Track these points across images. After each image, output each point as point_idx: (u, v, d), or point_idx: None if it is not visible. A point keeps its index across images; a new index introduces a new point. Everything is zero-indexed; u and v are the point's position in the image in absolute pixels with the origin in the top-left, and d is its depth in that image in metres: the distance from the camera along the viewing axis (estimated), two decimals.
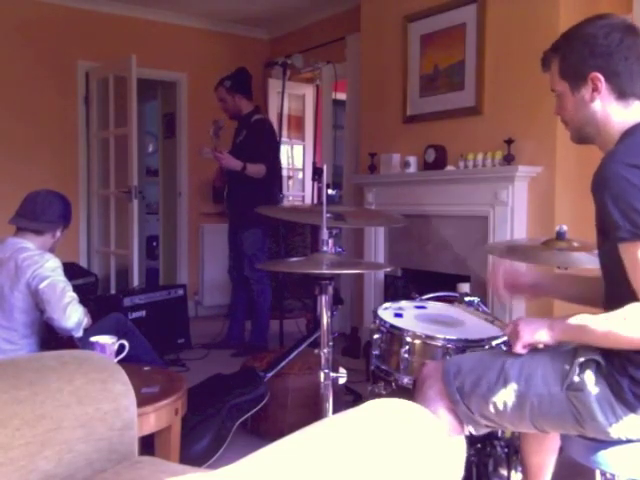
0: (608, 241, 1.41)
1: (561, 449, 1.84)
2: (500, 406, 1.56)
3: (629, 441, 1.46)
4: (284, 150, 5.73)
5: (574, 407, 1.47)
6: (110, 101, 5.19)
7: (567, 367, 1.50)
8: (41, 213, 2.69)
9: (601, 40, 1.50)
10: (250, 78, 4.53)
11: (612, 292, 1.52)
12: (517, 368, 1.56)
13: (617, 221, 1.36)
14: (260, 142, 4.35)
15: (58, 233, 2.77)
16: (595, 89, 1.52)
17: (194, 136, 5.88)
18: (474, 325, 2.23)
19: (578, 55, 1.54)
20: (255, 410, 2.80)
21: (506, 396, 1.55)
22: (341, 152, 5.82)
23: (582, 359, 1.49)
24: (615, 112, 1.52)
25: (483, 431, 1.68)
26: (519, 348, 1.56)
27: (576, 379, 1.48)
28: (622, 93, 1.51)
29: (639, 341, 1.38)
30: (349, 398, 3.29)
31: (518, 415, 1.55)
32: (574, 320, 1.49)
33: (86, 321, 2.61)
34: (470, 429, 1.66)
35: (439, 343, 2.06)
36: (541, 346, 1.56)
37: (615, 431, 1.44)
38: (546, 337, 1.53)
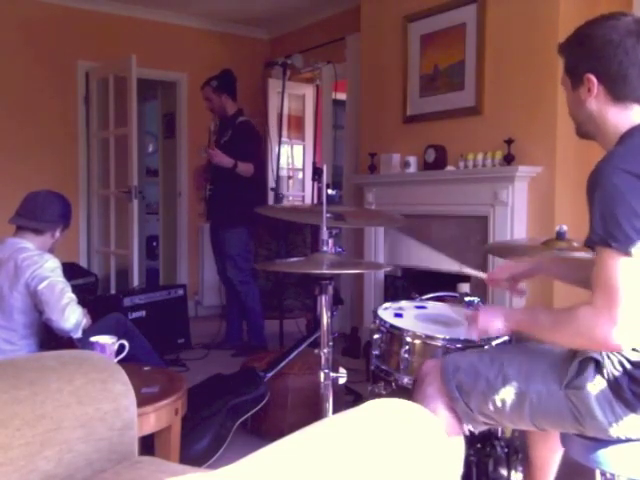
0: (585, 241, 1.44)
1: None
2: (499, 404, 1.56)
3: (629, 440, 1.46)
4: (284, 150, 5.73)
5: (573, 405, 1.47)
6: (110, 101, 5.19)
7: (566, 365, 1.50)
8: (41, 212, 2.69)
9: (598, 42, 1.51)
10: (235, 80, 4.53)
11: None
12: (516, 366, 1.56)
13: (594, 223, 1.38)
14: (247, 142, 4.35)
15: (57, 233, 2.77)
16: (589, 90, 1.53)
17: (194, 136, 5.88)
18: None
19: (577, 54, 1.57)
20: (255, 410, 2.80)
21: (505, 394, 1.55)
22: (341, 152, 5.82)
23: (581, 357, 1.49)
24: (612, 114, 1.53)
25: (482, 428, 1.68)
26: (473, 334, 1.66)
27: (575, 378, 1.48)
28: (617, 96, 1.51)
29: (579, 344, 1.43)
30: (349, 398, 3.28)
31: (517, 413, 1.55)
32: (528, 313, 1.61)
33: (85, 322, 2.60)
34: (469, 427, 1.66)
35: (439, 343, 2.06)
36: (494, 334, 1.66)
37: (614, 430, 1.45)
38: (500, 326, 1.60)
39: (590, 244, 1.40)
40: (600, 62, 1.50)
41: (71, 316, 2.53)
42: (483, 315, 1.64)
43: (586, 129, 1.60)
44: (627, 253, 1.32)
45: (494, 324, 1.61)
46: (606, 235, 1.35)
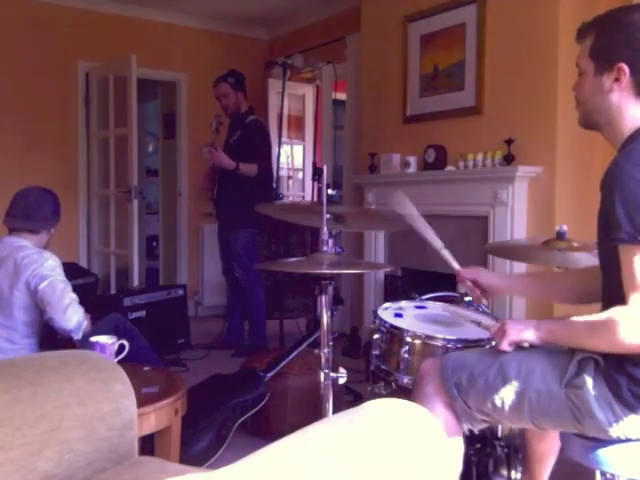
0: (608, 239, 1.42)
1: (561, 449, 1.84)
2: (498, 403, 1.56)
3: (628, 440, 1.46)
4: (284, 150, 5.74)
5: (573, 404, 1.47)
6: (110, 101, 5.19)
7: (566, 364, 1.50)
8: (35, 212, 2.69)
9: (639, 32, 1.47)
10: (245, 79, 4.55)
11: (610, 288, 1.52)
12: (515, 365, 1.56)
13: (620, 221, 1.36)
14: (254, 142, 4.35)
15: (52, 230, 2.78)
16: (617, 79, 1.49)
17: (194, 136, 5.88)
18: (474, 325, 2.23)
19: (612, 40, 1.50)
20: (255, 410, 2.80)
21: (504, 393, 1.55)
22: (341, 152, 5.82)
23: (580, 357, 1.49)
24: (631, 109, 1.50)
25: (481, 427, 1.68)
26: (505, 345, 1.58)
27: (575, 377, 1.48)
28: None
29: (621, 346, 1.39)
30: (349, 398, 3.29)
31: (516, 412, 1.55)
32: (560, 322, 1.54)
33: (86, 324, 2.60)
34: (468, 425, 1.66)
35: (439, 343, 2.06)
36: (526, 345, 1.58)
37: (614, 430, 1.44)
38: (532, 336, 1.56)
39: (619, 243, 1.37)
40: (637, 53, 1.46)
41: (73, 316, 2.53)
42: (512, 326, 1.58)
43: (596, 119, 1.56)
44: None
45: (525, 334, 1.56)
46: (636, 232, 1.34)
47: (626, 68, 1.48)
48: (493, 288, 1.89)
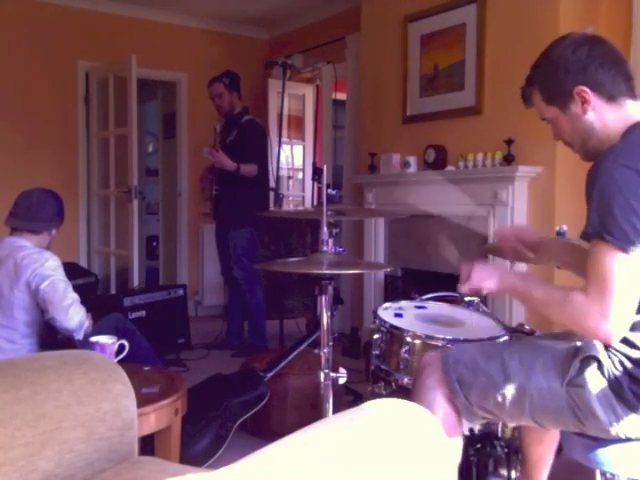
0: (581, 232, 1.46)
1: (561, 448, 1.84)
2: (499, 399, 1.56)
3: (629, 440, 1.46)
4: (284, 150, 5.73)
5: (574, 403, 1.48)
6: (110, 101, 5.19)
7: (568, 363, 1.51)
8: (37, 212, 2.69)
9: (571, 57, 1.53)
10: (240, 80, 4.56)
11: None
12: (517, 361, 1.56)
13: (591, 215, 1.40)
14: (251, 142, 4.36)
15: (54, 231, 2.79)
16: (584, 101, 1.53)
17: (194, 136, 5.88)
18: (474, 325, 2.23)
19: (555, 78, 1.56)
20: (255, 410, 2.80)
21: (506, 389, 1.55)
22: (341, 152, 5.82)
23: (583, 356, 1.49)
24: (610, 116, 1.54)
25: (480, 422, 1.68)
26: (464, 289, 1.64)
27: (577, 376, 1.48)
28: (611, 97, 1.53)
29: (570, 326, 1.45)
30: (349, 398, 3.29)
31: (517, 409, 1.55)
32: (523, 282, 1.58)
33: (87, 324, 2.60)
34: (468, 422, 1.66)
35: (439, 343, 2.06)
36: (484, 292, 1.64)
37: (615, 429, 1.45)
38: (493, 286, 1.60)
39: (585, 237, 1.42)
40: (584, 71, 1.52)
41: (75, 316, 2.54)
42: (478, 272, 1.63)
43: (591, 146, 1.59)
44: (621, 248, 1.34)
45: (487, 283, 1.61)
46: (601, 229, 1.37)
47: (584, 87, 1.52)
48: (544, 243, 1.90)
